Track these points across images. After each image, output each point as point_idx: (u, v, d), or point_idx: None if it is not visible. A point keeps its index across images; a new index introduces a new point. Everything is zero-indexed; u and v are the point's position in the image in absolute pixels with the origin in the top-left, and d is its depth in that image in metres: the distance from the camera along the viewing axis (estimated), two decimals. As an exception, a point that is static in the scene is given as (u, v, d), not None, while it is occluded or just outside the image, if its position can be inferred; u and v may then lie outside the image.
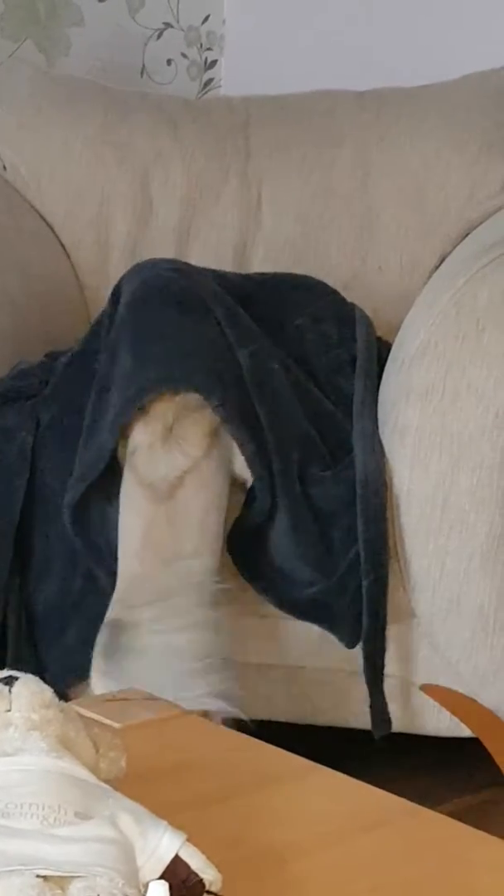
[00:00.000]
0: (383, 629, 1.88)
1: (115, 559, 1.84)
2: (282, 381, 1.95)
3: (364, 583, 1.86)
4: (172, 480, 1.79)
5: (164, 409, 1.82)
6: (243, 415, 1.86)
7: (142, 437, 1.82)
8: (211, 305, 1.95)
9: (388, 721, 1.92)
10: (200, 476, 1.81)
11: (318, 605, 1.89)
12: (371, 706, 1.90)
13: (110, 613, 1.78)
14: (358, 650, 1.90)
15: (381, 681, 1.89)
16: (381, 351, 2.09)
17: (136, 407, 1.83)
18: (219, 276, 2.09)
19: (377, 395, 2.02)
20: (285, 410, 1.93)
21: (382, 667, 1.89)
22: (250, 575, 1.90)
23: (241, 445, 1.83)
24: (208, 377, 1.85)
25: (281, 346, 2.05)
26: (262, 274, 2.33)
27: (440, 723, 1.98)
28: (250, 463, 1.84)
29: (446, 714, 1.96)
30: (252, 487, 1.88)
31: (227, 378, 1.88)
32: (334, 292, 2.28)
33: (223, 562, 1.86)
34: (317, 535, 1.90)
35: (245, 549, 1.90)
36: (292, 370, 2.01)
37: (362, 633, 1.88)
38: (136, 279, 1.99)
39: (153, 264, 2.05)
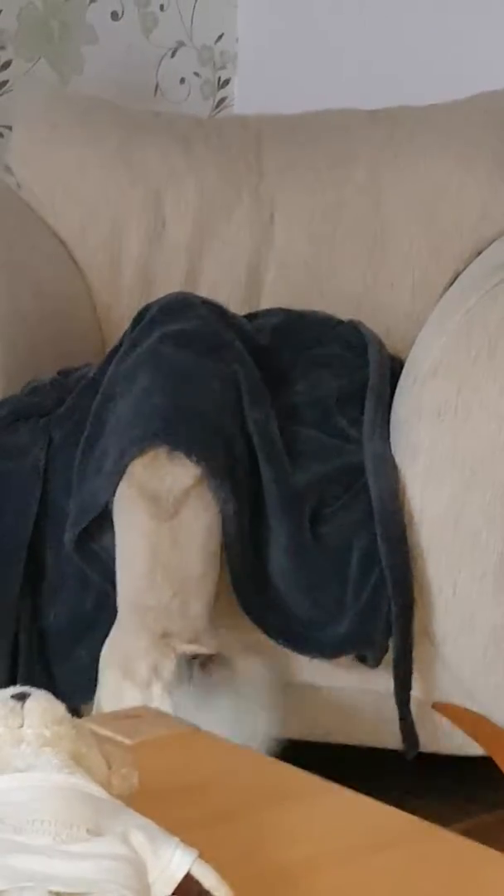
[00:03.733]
0: (411, 651, 1.88)
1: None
2: (288, 437, 1.96)
3: (393, 609, 1.86)
4: (177, 495, 1.79)
5: None
6: (231, 474, 1.85)
7: (138, 461, 1.81)
8: (231, 360, 1.97)
9: (417, 741, 1.91)
10: (203, 497, 1.81)
11: (354, 635, 1.88)
12: (402, 727, 1.89)
13: (121, 641, 1.76)
14: (371, 669, 1.90)
15: (409, 701, 1.89)
16: (396, 369, 2.09)
17: (125, 462, 1.82)
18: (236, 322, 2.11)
19: (389, 415, 2.02)
20: (292, 466, 1.93)
21: (410, 688, 1.89)
22: (282, 638, 1.89)
23: (222, 503, 1.83)
24: (196, 440, 1.84)
25: (291, 383, 2.06)
26: (268, 311, 2.34)
27: (453, 741, 1.97)
28: (227, 522, 1.84)
29: (459, 732, 1.96)
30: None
31: (219, 439, 1.88)
32: (340, 322, 2.29)
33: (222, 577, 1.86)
34: (333, 576, 1.89)
35: (266, 611, 1.89)
36: (299, 416, 2.01)
37: (393, 658, 1.87)
38: (168, 319, 2.00)
39: (187, 305, 2.05)
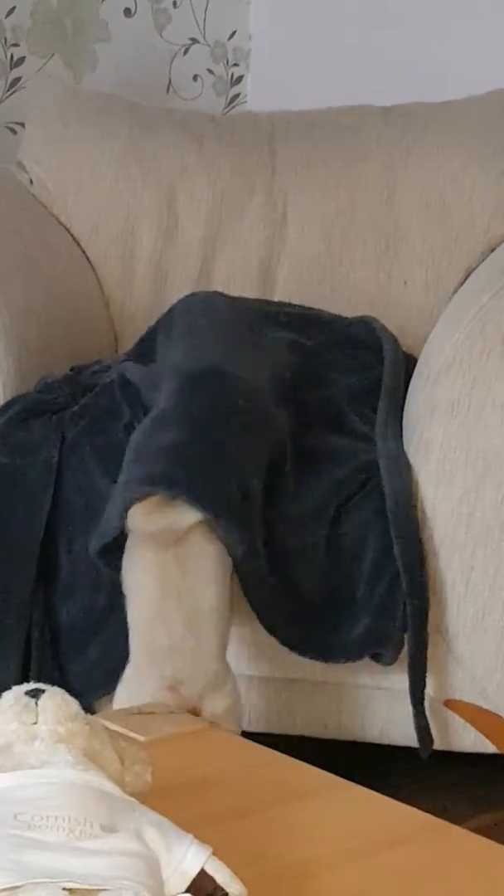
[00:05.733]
0: (425, 650, 1.88)
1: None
2: (300, 442, 1.94)
3: (409, 608, 1.85)
4: (181, 530, 1.71)
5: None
6: (242, 510, 1.80)
7: (139, 505, 1.74)
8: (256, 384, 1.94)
9: (432, 739, 1.91)
10: (209, 532, 1.73)
11: (372, 635, 1.87)
12: (417, 726, 1.89)
13: (131, 683, 1.70)
14: (383, 667, 1.90)
15: (424, 700, 1.89)
16: (410, 368, 2.09)
17: (133, 499, 1.75)
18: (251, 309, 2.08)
19: (401, 413, 2.02)
20: (316, 476, 1.92)
21: (424, 686, 1.89)
22: (309, 651, 1.87)
23: (231, 547, 1.75)
24: (199, 482, 1.76)
25: (301, 388, 2.05)
26: (284, 305, 2.34)
27: (465, 738, 1.97)
28: (238, 561, 1.77)
29: (471, 730, 1.96)
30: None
31: (232, 475, 1.81)
32: (352, 323, 2.28)
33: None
34: (348, 575, 1.89)
35: (291, 628, 1.86)
36: (311, 416, 2.00)
37: (409, 657, 1.87)
38: (191, 326, 1.97)
39: (210, 309, 2.01)
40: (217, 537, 1.74)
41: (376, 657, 1.89)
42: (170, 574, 1.71)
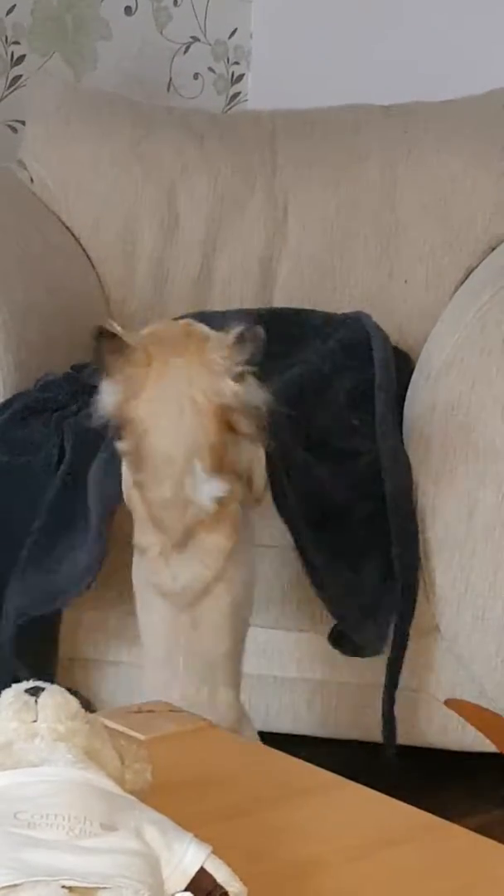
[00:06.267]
0: (405, 650, 1.88)
1: None
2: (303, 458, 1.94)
3: (400, 608, 1.85)
4: (196, 591, 1.66)
5: (174, 519, 1.67)
6: None
7: (150, 541, 1.68)
8: None
9: (395, 736, 1.91)
10: (224, 582, 1.68)
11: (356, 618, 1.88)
12: (384, 721, 1.89)
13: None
14: (384, 668, 1.90)
15: (394, 700, 1.89)
16: (400, 364, 2.09)
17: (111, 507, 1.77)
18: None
19: (397, 409, 2.01)
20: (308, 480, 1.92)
21: (397, 685, 1.89)
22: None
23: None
24: None
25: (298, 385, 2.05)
26: (271, 309, 2.34)
27: (465, 737, 1.97)
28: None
29: (471, 729, 1.96)
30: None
31: None
32: (343, 321, 2.27)
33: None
34: (346, 570, 1.89)
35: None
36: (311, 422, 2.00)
37: (389, 657, 1.87)
38: None
39: None
40: (234, 582, 1.69)
41: (338, 641, 1.88)
42: (182, 632, 1.67)
